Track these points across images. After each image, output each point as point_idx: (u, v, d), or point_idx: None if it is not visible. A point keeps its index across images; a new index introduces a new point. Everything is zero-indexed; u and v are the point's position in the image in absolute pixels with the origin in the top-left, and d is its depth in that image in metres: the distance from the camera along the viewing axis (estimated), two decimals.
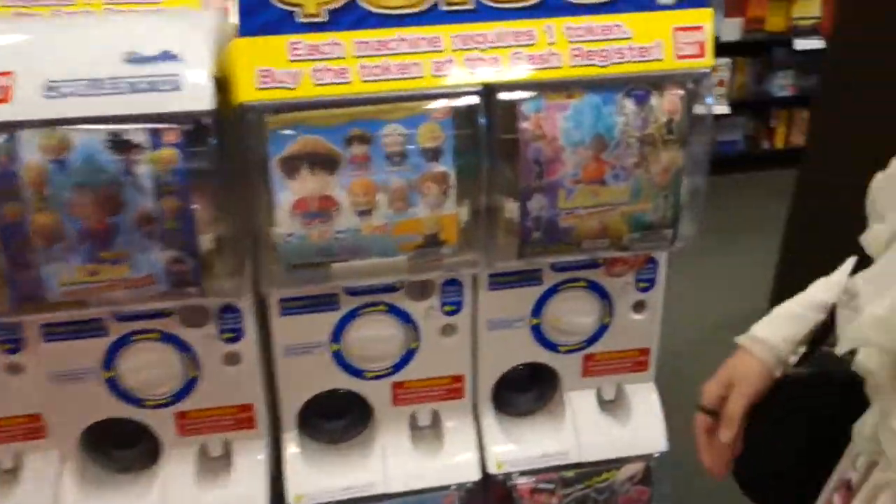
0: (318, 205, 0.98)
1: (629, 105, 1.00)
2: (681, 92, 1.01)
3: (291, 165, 0.96)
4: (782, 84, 4.55)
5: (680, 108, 1.01)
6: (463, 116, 1.00)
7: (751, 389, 0.92)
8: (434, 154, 0.99)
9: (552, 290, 1.18)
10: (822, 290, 0.94)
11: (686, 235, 1.07)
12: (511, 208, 1.03)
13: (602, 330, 1.22)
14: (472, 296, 1.17)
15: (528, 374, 1.28)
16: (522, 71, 1.00)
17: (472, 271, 1.10)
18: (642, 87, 1.01)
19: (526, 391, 1.30)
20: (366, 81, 0.96)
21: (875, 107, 2.35)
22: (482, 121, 0.99)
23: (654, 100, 1.01)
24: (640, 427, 1.24)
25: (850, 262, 0.91)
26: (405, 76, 0.97)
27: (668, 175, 1.03)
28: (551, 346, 1.22)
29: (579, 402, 1.26)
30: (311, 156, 0.96)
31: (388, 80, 0.96)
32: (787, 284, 2.91)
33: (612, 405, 1.28)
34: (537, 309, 1.19)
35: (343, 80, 0.96)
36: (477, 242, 1.05)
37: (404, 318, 1.16)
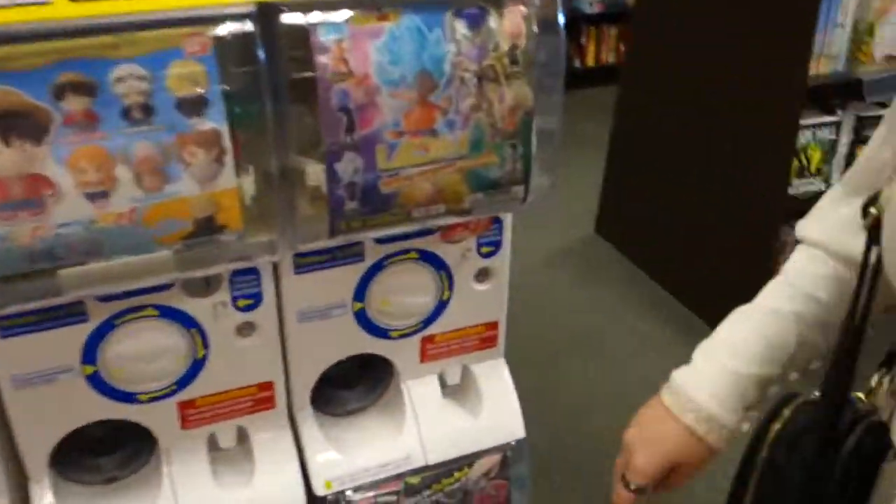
0: (22, 189, 0.66)
1: (461, 28, 0.75)
2: (524, 9, 0.77)
3: None
4: (590, 0, 4.47)
5: (524, 31, 0.78)
6: (234, 49, 0.71)
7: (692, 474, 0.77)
8: (196, 105, 0.70)
9: (377, 267, 0.94)
10: (770, 328, 0.76)
11: (540, 189, 0.86)
12: (315, 173, 0.77)
13: (441, 307, 1.00)
14: (273, 283, 0.90)
15: (355, 365, 1.04)
16: None
17: (270, 258, 0.82)
18: (475, 2, 0.76)
19: (355, 385, 1.07)
20: (75, 0, 0.64)
21: (686, 22, 2.27)
22: (261, 55, 0.71)
23: (491, 20, 0.76)
24: (492, 414, 1.05)
25: (790, 273, 0.74)
26: None
27: (516, 118, 0.80)
28: (381, 333, 0.99)
29: (420, 392, 1.04)
30: (3, 117, 0.64)
31: None
32: (612, 207, 2.86)
33: (457, 390, 1.08)
34: (360, 291, 0.95)
35: (41, 1, 0.63)
36: (272, 220, 0.78)
37: (185, 321, 0.88)
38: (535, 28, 0.78)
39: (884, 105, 2.08)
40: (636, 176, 2.57)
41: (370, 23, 0.73)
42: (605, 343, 2.25)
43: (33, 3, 0.63)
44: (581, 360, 2.17)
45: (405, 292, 0.96)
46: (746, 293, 2.39)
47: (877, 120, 2.18)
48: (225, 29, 0.69)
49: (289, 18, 0.71)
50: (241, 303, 0.90)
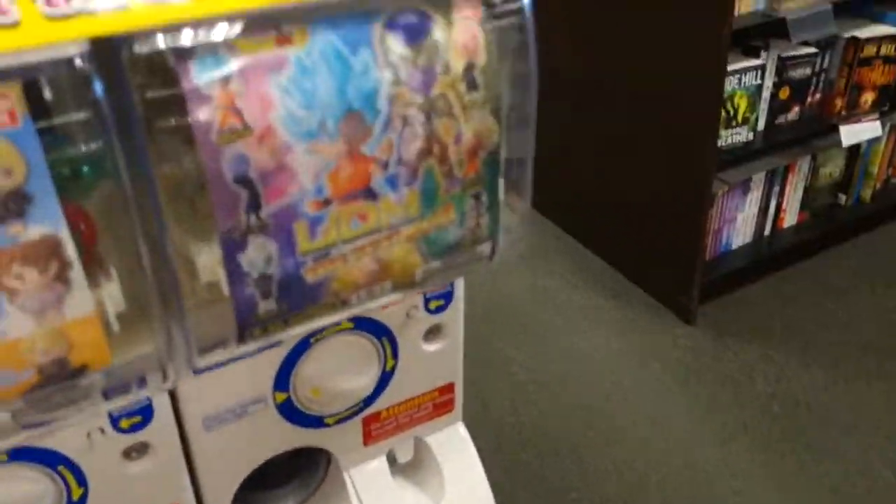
0: None
1: (396, 45, 0.53)
2: (480, 12, 0.56)
3: None
4: None
5: (482, 41, 0.56)
6: (62, 106, 0.47)
7: None
8: (12, 204, 0.46)
9: (301, 347, 0.72)
10: None
11: (509, 233, 0.66)
12: (208, 266, 0.54)
13: (386, 378, 0.80)
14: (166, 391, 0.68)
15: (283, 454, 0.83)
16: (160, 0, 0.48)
17: (160, 388, 0.59)
18: (413, 8, 0.54)
19: (285, 481, 0.86)
20: None
21: None
22: (107, 113, 0.47)
23: (437, 31, 0.55)
24: (456, 494, 0.87)
25: None
26: None
27: (478, 159, 0.59)
28: (313, 422, 0.78)
29: (366, 480, 0.84)
30: None
31: None
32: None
33: (411, 467, 0.89)
34: (282, 379, 0.73)
35: None
36: (156, 334, 0.55)
37: (48, 460, 0.65)
38: (494, 35, 0.57)
39: (808, 44, 1.98)
40: (552, 132, 2.40)
41: (267, 49, 0.50)
42: (534, 320, 2.11)
43: None
44: (514, 343, 2.02)
45: (340, 373, 0.75)
46: (677, 251, 2.25)
47: (800, 60, 2.03)
48: (42, 83, 0.45)
49: (143, 57, 0.47)
50: (125, 423, 0.67)
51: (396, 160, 0.55)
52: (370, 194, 0.55)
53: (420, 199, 0.57)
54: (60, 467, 0.66)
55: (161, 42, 0.48)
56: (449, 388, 0.85)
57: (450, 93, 0.55)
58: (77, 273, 0.48)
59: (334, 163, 0.53)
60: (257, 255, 0.53)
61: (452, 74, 0.55)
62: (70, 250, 0.47)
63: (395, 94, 0.53)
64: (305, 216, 0.54)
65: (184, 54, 0.49)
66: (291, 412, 0.76)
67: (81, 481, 0.67)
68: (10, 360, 0.48)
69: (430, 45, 0.54)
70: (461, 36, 0.55)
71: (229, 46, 0.49)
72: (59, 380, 0.50)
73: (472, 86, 0.56)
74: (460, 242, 0.61)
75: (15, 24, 0.44)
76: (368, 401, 0.80)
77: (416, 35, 0.54)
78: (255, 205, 0.52)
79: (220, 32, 0.49)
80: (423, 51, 0.54)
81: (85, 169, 0.50)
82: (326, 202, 0.54)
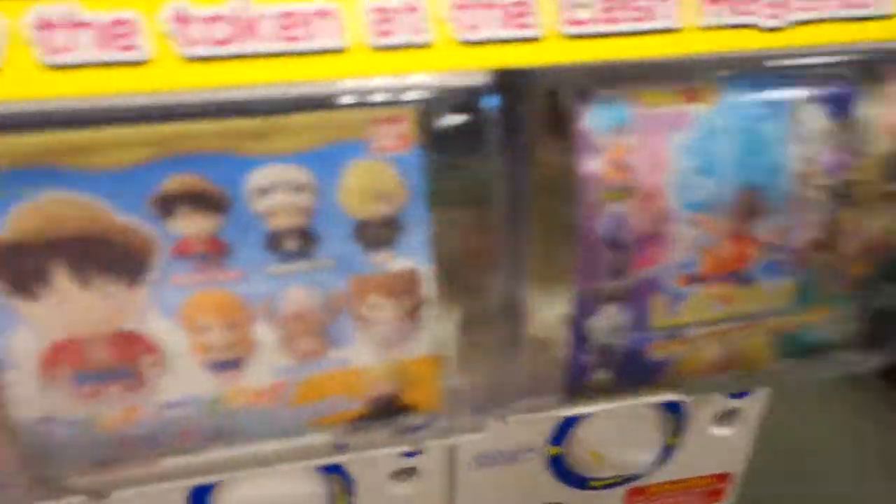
0: (109, 353, 0.41)
1: (817, 118, 0.46)
2: None
3: (31, 267, 0.39)
4: None
5: None
6: (449, 143, 0.44)
7: None
8: (385, 232, 0.43)
9: None
10: None
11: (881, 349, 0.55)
12: (546, 322, 0.49)
13: (665, 454, 0.72)
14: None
15: None
16: (577, 35, 0.43)
17: (469, 434, 0.56)
18: (839, 77, 0.46)
19: None
20: (191, 60, 0.38)
21: None
22: (494, 136, 0.43)
23: (865, 106, 0.46)
24: None
25: None
26: (290, 49, 0.39)
27: (873, 257, 0.50)
28: (578, 482, 0.72)
29: None
30: (72, 244, 0.39)
31: (250, 56, 0.38)
32: None
33: None
34: (560, 434, 0.68)
35: (134, 58, 0.37)
36: (490, 381, 0.52)
37: (326, 466, 0.64)
38: None
39: None
40: None
41: (672, 104, 0.44)
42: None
43: (127, 62, 0.37)
44: None
45: (623, 441, 0.69)
46: None
47: None
48: (440, 112, 0.42)
49: (542, 93, 0.43)
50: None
51: (784, 247, 0.47)
52: (743, 278, 0.48)
53: (796, 292, 0.49)
54: (334, 475, 0.65)
55: (562, 80, 0.43)
56: (725, 477, 0.76)
57: (865, 179, 0.47)
58: (429, 311, 0.45)
59: (715, 239, 0.46)
60: (605, 322, 0.48)
61: (873, 158, 0.46)
62: (429, 288, 0.44)
63: (804, 173, 0.46)
64: (668, 291, 0.47)
65: (583, 96, 0.44)
66: (559, 468, 0.70)
67: (349, 491, 0.66)
68: (346, 387, 0.46)
69: (855, 121, 0.46)
70: (891, 115, 0.46)
71: (634, 95, 0.44)
72: (386, 415, 0.47)
73: (892, 172, 0.47)
74: (824, 346, 0.52)
75: (426, 45, 0.41)
76: (640, 473, 0.73)
77: (840, 109, 0.46)
78: (618, 270, 0.46)
79: (627, 78, 0.44)
80: (845, 127, 0.46)
81: (446, 201, 0.47)
82: (694, 279, 0.47)
